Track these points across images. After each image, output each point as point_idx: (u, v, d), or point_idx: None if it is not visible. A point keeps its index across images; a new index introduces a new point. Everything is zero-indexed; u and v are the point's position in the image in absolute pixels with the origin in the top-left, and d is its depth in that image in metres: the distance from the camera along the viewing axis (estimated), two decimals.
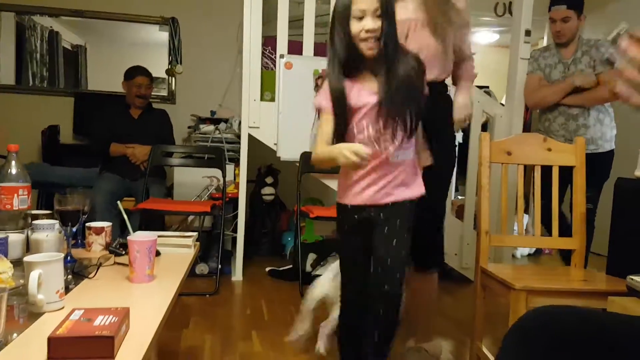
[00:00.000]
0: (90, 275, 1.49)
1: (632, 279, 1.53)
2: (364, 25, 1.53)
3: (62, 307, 1.23)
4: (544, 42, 5.92)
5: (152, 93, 3.96)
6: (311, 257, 3.61)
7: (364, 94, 1.62)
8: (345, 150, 1.46)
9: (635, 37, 0.79)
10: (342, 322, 1.86)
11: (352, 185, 1.70)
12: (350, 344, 1.83)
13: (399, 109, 1.59)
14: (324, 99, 1.63)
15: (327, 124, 1.63)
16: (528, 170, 2.40)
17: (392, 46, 1.58)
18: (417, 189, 1.72)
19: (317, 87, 3.44)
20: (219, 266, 3.32)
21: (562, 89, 3.06)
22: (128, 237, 1.48)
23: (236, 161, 3.84)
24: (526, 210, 5.18)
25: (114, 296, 1.35)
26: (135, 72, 3.73)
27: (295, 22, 3.53)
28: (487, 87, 5.90)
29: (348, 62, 1.60)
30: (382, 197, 1.68)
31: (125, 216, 1.68)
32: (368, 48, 1.56)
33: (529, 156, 2.23)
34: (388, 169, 1.67)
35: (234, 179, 3.87)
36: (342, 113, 1.62)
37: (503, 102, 4.15)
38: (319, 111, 1.65)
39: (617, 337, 0.87)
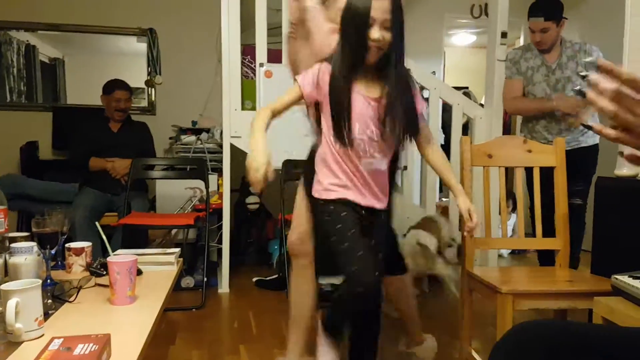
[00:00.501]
0: (71, 299, 1.46)
1: (616, 279, 1.54)
2: (371, 34, 1.54)
3: (42, 335, 1.20)
4: (521, 42, 5.98)
5: (132, 105, 3.92)
6: None
7: (359, 97, 1.62)
8: (252, 168, 1.51)
9: (605, 68, 0.79)
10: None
11: (330, 184, 1.70)
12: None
13: (393, 119, 1.62)
14: (309, 85, 1.63)
15: (289, 96, 1.65)
16: (513, 172, 2.42)
17: (396, 58, 1.61)
18: (385, 201, 1.75)
19: None
20: (205, 279, 3.28)
21: (541, 107, 2.99)
22: (108, 259, 1.46)
23: (219, 171, 3.81)
24: (514, 210, 5.24)
25: (95, 320, 1.32)
26: (114, 86, 3.69)
27: (274, 30, 3.52)
28: (467, 88, 5.95)
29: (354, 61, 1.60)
30: (362, 200, 1.69)
31: (104, 237, 1.66)
32: (370, 56, 1.58)
33: (509, 158, 2.23)
34: (369, 176, 1.69)
35: (218, 189, 3.84)
36: (341, 112, 1.61)
37: (483, 102, 4.18)
38: (295, 84, 1.65)
39: (602, 349, 0.86)
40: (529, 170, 2.32)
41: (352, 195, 1.68)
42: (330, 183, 1.69)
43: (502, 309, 1.80)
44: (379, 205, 1.73)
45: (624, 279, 1.51)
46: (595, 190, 2.04)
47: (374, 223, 1.73)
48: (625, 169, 1.93)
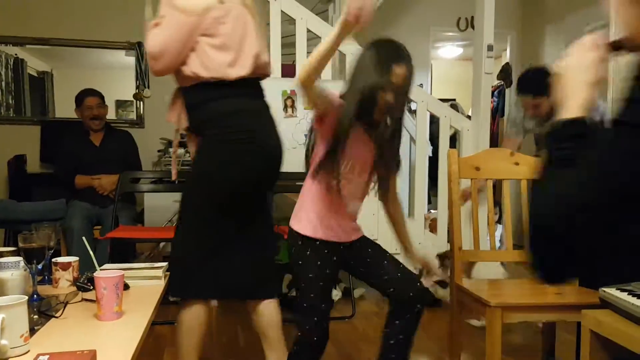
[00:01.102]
0: (57, 315, 1.44)
1: (604, 292, 1.55)
2: (389, 99, 1.61)
3: (28, 351, 1.18)
4: (507, 55, 6.06)
5: (122, 118, 3.90)
6: (287, 278, 3.58)
7: (359, 144, 1.71)
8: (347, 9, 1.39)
9: None
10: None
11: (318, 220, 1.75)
12: None
13: (383, 171, 1.79)
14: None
15: (330, 94, 1.67)
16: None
17: (398, 119, 1.72)
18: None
19: (285, 108, 3.44)
20: None
21: None
22: (94, 274, 1.44)
23: None
24: (499, 221, 5.27)
25: (81, 336, 1.31)
26: (83, 95, 3.63)
27: None
28: (454, 100, 6.00)
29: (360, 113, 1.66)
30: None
31: (91, 253, 1.64)
32: (377, 114, 1.65)
33: (497, 171, 2.25)
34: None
35: None
36: (336, 150, 1.67)
37: (470, 114, 4.21)
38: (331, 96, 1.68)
39: None
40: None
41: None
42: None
43: (491, 322, 1.81)
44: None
45: (612, 291, 1.52)
46: None
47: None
48: None
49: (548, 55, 5.54)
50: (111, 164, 3.54)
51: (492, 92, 6.04)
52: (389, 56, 1.62)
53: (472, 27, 5.22)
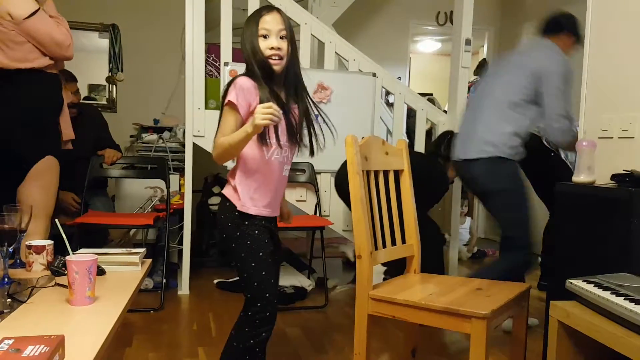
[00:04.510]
0: (25, 299, 1.41)
1: (571, 283, 1.58)
2: (270, 44, 1.67)
3: None
4: (484, 51, 6.12)
5: (94, 102, 3.82)
6: None
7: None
8: (257, 115, 1.51)
9: None
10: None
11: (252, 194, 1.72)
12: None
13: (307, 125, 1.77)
14: (240, 97, 1.66)
15: (233, 118, 1.67)
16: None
17: (293, 70, 1.74)
18: None
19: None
20: (164, 280, 3.23)
21: None
22: (67, 258, 1.41)
23: (181, 171, 3.75)
24: (469, 214, 5.35)
25: (51, 321, 1.28)
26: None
27: (240, 30, 3.48)
28: (431, 94, 6.04)
29: (263, 73, 1.68)
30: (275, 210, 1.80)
31: (64, 235, 1.61)
32: (275, 64, 1.68)
33: (375, 161, 2.05)
34: (281, 181, 1.78)
35: (179, 189, 3.79)
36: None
37: (446, 108, 4.25)
38: (229, 105, 1.68)
39: None
40: None
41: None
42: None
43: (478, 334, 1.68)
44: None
45: (579, 283, 1.55)
46: (555, 197, 2.08)
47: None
48: (582, 176, 1.98)
49: None
50: (85, 143, 3.45)
51: (469, 88, 6.11)
52: (256, 10, 1.73)
53: (451, 21, 5.27)
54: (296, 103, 1.75)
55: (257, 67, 1.67)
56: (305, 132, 1.77)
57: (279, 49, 1.66)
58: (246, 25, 1.72)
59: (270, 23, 1.67)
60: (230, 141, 1.61)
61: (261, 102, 1.62)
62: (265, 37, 1.67)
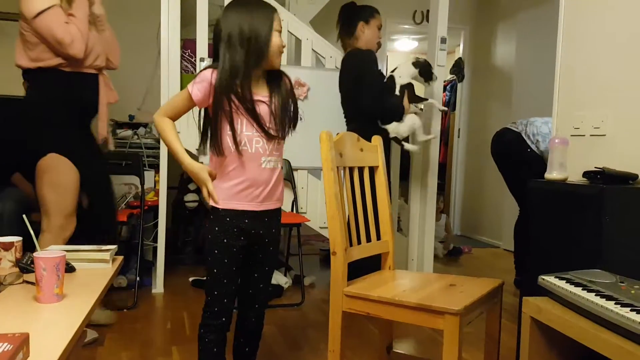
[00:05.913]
0: None
1: (543, 279, 1.59)
2: (282, 43, 1.73)
3: None
4: (460, 50, 6.17)
5: None
6: None
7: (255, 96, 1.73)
8: (202, 181, 1.65)
9: None
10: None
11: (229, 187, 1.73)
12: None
13: (282, 115, 1.75)
14: (200, 92, 1.68)
15: (182, 103, 1.72)
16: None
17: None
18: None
19: None
20: (138, 278, 3.18)
21: None
22: (34, 254, 1.38)
23: (156, 167, 3.71)
24: (444, 210, 5.39)
25: (17, 319, 1.24)
26: None
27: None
28: None
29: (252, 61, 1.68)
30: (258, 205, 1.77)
31: (31, 231, 1.57)
32: (275, 60, 1.73)
33: (350, 157, 2.03)
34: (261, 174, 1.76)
35: (154, 185, 3.74)
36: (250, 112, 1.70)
37: (422, 107, 4.26)
38: (188, 93, 1.70)
39: None
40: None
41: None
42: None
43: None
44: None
45: (551, 279, 1.57)
46: (527, 194, 2.10)
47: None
48: (555, 173, 2.01)
49: (499, 52, 5.67)
50: None
51: (445, 87, 6.16)
52: (263, 1, 1.75)
53: (428, 20, 5.29)
54: (277, 95, 1.76)
55: (252, 53, 1.66)
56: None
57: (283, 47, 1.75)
58: (251, 10, 1.69)
59: (279, 23, 1.73)
60: (166, 137, 1.71)
61: (237, 93, 1.64)
62: (279, 33, 1.72)
